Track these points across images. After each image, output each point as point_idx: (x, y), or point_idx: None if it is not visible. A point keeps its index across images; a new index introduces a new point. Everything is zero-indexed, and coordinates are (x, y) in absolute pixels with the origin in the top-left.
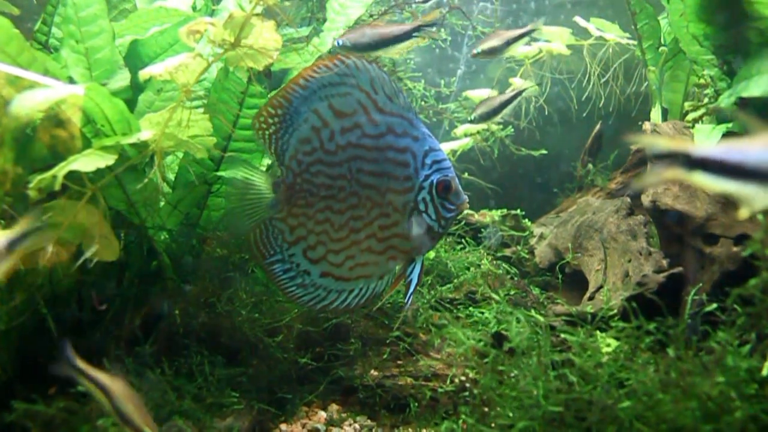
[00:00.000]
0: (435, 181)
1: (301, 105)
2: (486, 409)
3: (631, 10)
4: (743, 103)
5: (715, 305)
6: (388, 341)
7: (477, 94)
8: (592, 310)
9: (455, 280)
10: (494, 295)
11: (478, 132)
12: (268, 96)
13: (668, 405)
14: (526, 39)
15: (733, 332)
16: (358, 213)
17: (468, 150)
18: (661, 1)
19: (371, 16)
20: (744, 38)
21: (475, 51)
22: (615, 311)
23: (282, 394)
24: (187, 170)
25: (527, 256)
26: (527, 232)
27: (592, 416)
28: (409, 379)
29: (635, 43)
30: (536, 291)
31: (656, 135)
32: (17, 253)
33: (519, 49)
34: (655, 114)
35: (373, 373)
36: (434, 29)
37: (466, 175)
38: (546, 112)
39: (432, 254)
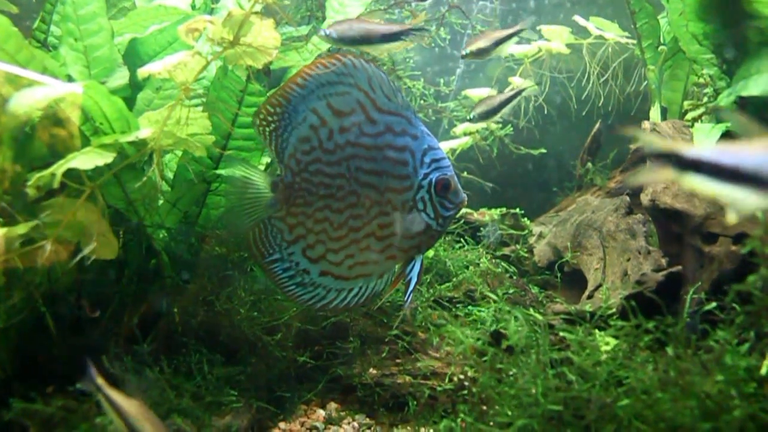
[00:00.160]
0: (434, 180)
1: (300, 104)
2: (485, 408)
3: (631, 9)
4: (742, 102)
5: (714, 304)
6: (386, 340)
7: (476, 93)
8: (591, 309)
9: (454, 279)
10: (491, 295)
11: (478, 131)
12: (267, 94)
13: (667, 403)
14: (515, 39)
15: (732, 331)
16: (357, 212)
17: (467, 149)
18: (660, 0)
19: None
20: (743, 37)
21: (463, 52)
22: (614, 310)
23: (281, 392)
24: (185, 168)
25: (526, 255)
26: (526, 231)
27: (590, 414)
28: (407, 378)
29: (635, 42)
30: (535, 290)
31: (654, 134)
32: None
33: (519, 49)
34: (655, 113)
35: (372, 371)
36: (423, 33)
37: (465, 173)
38: (545, 111)
39: (431, 253)
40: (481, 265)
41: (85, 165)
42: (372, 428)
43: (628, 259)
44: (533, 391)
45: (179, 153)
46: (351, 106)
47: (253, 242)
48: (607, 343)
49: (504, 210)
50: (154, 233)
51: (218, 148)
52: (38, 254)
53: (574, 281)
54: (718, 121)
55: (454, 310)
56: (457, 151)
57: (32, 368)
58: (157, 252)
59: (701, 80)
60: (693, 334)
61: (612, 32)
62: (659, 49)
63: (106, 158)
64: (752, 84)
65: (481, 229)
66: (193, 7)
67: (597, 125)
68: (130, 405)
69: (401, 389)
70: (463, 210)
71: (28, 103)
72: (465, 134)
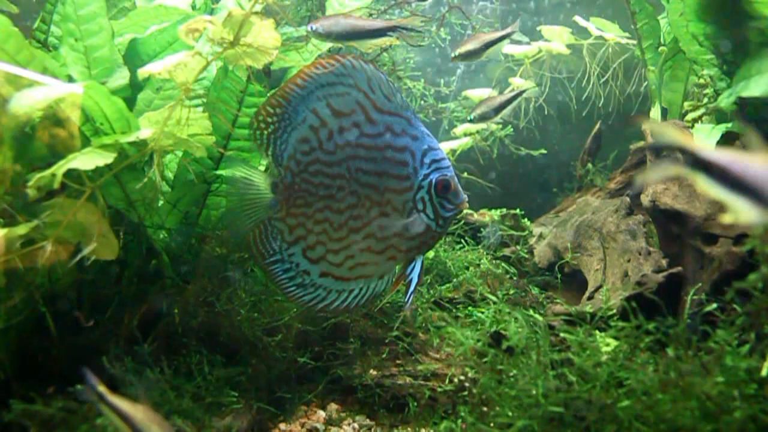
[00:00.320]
0: (434, 181)
1: (300, 104)
2: (485, 409)
3: (631, 9)
4: (743, 102)
5: (714, 305)
6: (387, 341)
7: (476, 94)
8: (591, 310)
9: (454, 280)
10: (491, 296)
11: (478, 132)
12: (268, 95)
13: (667, 404)
14: (506, 42)
15: (733, 332)
16: (357, 212)
17: (467, 149)
18: (660, 0)
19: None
20: (744, 38)
21: (452, 54)
22: (614, 311)
23: (281, 393)
24: (186, 169)
25: (526, 256)
26: (526, 232)
27: (591, 415)
28: (408, 379)
29: (635, 42)
30: (535, 291)
31: (661, 133)
32: None
33: (519, 50)
34: (655, 114)
35: (372, 372)
36: (412, 32)
37: (465, 174)
38: (545, 112)
39: (431, 253)
40: (481, 266)
41: (85, 165)
42: (372, 429)
43: (629, 260)
44: (534, 392)
45: (180, 153)
46: (351, 107)
47: (254, 243)
48: (607, 344)
49: (504, 211)
50: (154, 234)
51: (219, 149)
52: (38, 255)
53: (575, 282)
54: (719, 121)
55: (454, 311)
56: (458, 152)
57: (32, 369)
58: (158, 252)
59: (701, 81)
60: (693, 335)
61: (612, 33)
62: (659, 49)
63: (107, 159)
64: (753, 84)
65: (482, 229)
66: (194, 7)
67: (597, 126)
68: (136, 411)
69: (401, 390)
70: (464, 211)
71: (28, 103)
72: (465, 135)
